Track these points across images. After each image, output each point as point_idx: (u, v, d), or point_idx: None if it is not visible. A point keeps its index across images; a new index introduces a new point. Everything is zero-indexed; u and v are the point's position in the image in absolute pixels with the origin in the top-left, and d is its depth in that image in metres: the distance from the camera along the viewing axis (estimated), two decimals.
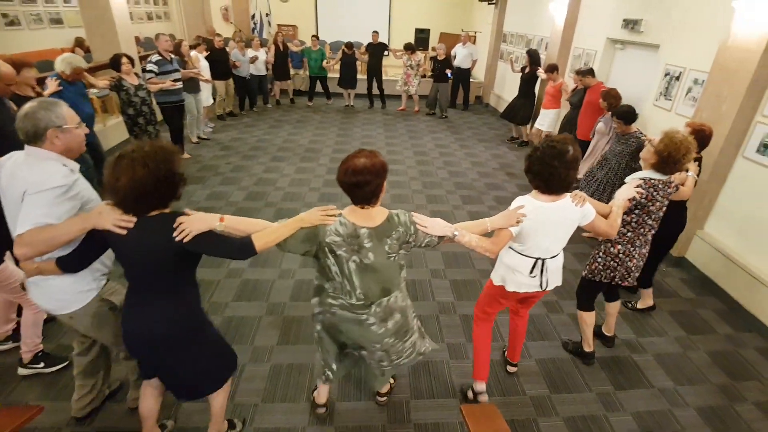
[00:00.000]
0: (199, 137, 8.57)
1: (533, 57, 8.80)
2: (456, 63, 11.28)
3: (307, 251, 2.17)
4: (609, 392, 3.42)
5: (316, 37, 11.23)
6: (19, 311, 3.33)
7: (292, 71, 11.91)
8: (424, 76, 11.78)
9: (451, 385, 3.42)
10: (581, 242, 5.45)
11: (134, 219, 1.94)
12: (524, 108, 9.09)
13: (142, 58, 8.43)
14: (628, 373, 3.61)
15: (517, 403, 3.29)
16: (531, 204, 2.55)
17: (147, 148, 1.89)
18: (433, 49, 12.01)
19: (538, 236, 2.64)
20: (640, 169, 4.15)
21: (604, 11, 7.33)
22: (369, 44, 11.15)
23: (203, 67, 8.24)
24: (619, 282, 3.38)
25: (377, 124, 10.56)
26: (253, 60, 9.93)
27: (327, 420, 3.05)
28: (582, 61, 7.95)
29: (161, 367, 2.32)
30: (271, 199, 6.26)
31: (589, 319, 3.56)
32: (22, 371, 3.18)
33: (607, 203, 3.08)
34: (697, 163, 3.81)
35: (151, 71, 6.65)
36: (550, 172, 2.45)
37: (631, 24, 6.37)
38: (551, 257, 2.77)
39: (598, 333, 3.79)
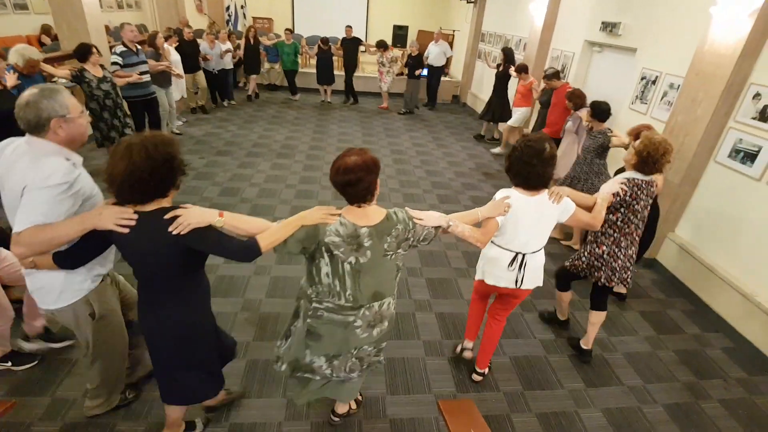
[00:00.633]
0: (172, 132, 8.24)
1: (508, 55, 8.88)
2: (429, 61, 11.32)
3: (304, 249, 2.12)
4: (580, 389, 3.47)
5: (289, 30, 11.04)
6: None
7: (267, 65, 11.75)
8: (401, 74, 11.77)
9: (426, 381, 3.42)
10: (555, 242, 5.52)
11: (135, 216, 1.88)
12: (498, 106, 9.17)
13: (112, 48, 8.14)
14: (600, 371, 3.66)
15: (492, 399, 3.32)
16: (514, 195, 2.67)
17: (146, 135, 1.85)
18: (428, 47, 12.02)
19: (517, 229, 2.72)
20: (604, 164, 4.62)
21: (582, 13, 7.41)
22: (343, 39, 11.07)
23: (174, 61, 7.95)
24: (605, 283, 3.41)
25: (354, 122, 10.50)
26: (224, 54, 9.69)
27: (303, 415, 3.02)
28: (560, 62, 8.03)
29: (162, 365, 2.32)
30: (246, 195, 6.14)
31: (565, 297, 3.89)
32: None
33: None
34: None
35: (115, 63, 6.31)
36: (528, 170, 2.58)
37: (609, 27, 6.45)
38: (531, 253, 2.84)
39: (575, 346, 3.82)
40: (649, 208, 3.33)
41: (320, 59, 10.95)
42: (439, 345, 3.78)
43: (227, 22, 14.20)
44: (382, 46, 10.77)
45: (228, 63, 10.02)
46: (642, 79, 5.76)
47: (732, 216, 4.37)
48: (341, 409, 2.95)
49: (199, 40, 9.43)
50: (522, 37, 9.64)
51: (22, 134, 2.07)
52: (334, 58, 11.29)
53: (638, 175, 3.27)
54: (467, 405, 2.53)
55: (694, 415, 3.32)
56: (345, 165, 2.02)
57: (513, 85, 8.78)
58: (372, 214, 2.15)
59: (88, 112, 5.33)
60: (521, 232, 2.74)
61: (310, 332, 2.34)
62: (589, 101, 5.28)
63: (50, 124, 1.98)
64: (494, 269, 2.91)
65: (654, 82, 5.54)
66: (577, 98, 5.64)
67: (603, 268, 3.39)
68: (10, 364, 3.12)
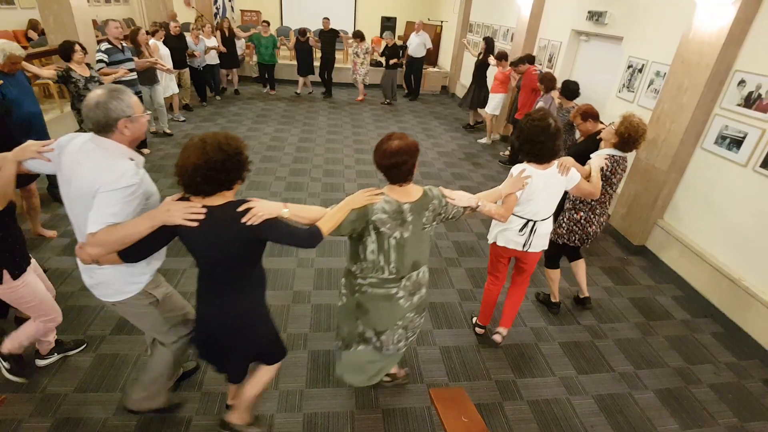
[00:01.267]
0: (164, 132, 7.97)
1: (489, 45, 8.99)
2: (409, 52, 11.30)
3: (354, 229, 2.29)
4: (572, 376, 3.49)
5: (266, 22, 10.85)
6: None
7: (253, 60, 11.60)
8: (379, 64, 11.67)
9: (418, 370, 3.42)
10: None
11: (203, 210, 1.94)
12: (477, 94, 9.35)
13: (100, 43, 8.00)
14: (590, 357, 3.69)
15: (483, 388, 3.33)
16: (528, 170, 2.91)
17: (216, 131, 1.95)
18: (399, 37, 11.96)
19: (530, 199, 3.01)
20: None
21: (569, 3, 7.41)
22: (321, 31, 10.99)
23: (164, 56, 7.74)
24: (578, 244, 3.95)
25: (343, 114, 10.46)
26: (209, 50, 9.51)
27: (296, 407, 3.02)
28: (547, 51, 8.03)
29: (220, 355, 2.38)
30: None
31: (554, 275, 4.08)
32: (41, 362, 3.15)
33: None
34: None
35: (101, 61, 6.08)
36: (539, 147, 2.84)
37: (595, 16, 6.45)
38: (541, 220, 3.13)
39: (576, 300, 4.29)
40: (623, 180, 3.73)
41: (299, 51, 10.87)
42: (430, 335, 3.78)
43: (215, 15, 14.09)
44: (358, 36, 10.72)
45: (214, 58, 9.85)
46: (629, 67, 5.77)
47: (719, 202, 4.40)
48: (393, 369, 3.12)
49: (186, 34, 9.18)
50: (510, 27, 9.62)
51: (10, 139, 2.06)
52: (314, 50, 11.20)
53: (617, 152, 3.67)
54: (458, 393, 2.53)
55: (685, 399, 3.35)
56: (390, 149, 2.20)
57: (491, 74, 8.85)
58: (412, 191, 2.35)
59: (75, 113, 5.25)
60: (534, 202, 3.02)
61: (358, 306, 2.54)
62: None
63: (118, 124, 2.03)
64: (506, 232, 3.21)
65: (640, 71, 5.56)
66: (548, 81, 6.06)
67: (579, 232, 3.85)
68: (7, 365, 3.06)
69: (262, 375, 2.56)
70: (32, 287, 2.79)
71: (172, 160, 6.71)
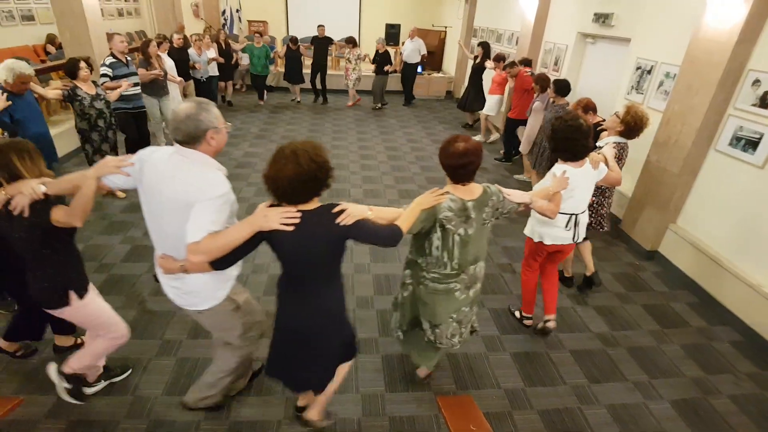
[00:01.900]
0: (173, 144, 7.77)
1: (486, 49, 9.23)
2: (404, 58, 11.29)
3: (422, 228, 2.46)
4: (583, 385, 3.36)
5: (259, 33, 10.88)
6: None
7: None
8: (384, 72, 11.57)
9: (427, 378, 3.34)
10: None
11: (299, 215, 2.01)
12: (473, 96, 9.58)
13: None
14: (602, 366, 3.56)
15: (492, 396, 3.22)
16: (568, 170, 3.13)
17: (303, 142, 2.02)
18: (404, 44, 11.94)
19: (572, 195, 3.24)
20: None
21: (574, 5, 7.33)
22: (314, 38, 10.99)
23: (170, 67, 7.62)
24: (596, 228, 4.29)
25: (348, 120, 10.43)
26: (211, 61, 9.48)
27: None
28: (553, 55, 7.96)
29: (299, 359, 2.41)
30: (244, 195, 6.10)
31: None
32: (89, 390, 3.02)
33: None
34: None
35: (105, 75, 5.86)
36: (574, 145, 3.11)
37: (601, 18, 6.37)
38: (581, 212, 3.41)
39: (584, 280, 4.47)
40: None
41: (289, 58, 10.84)
42: None
43: (223, 26, 14.16)
44: (351, 42, 10.71)
45: (215, 69, 9.79)
46: (637, 68, 5.67)
47: (735, 205, 4.27)
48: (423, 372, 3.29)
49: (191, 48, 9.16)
50: (514, 31, 9.57)
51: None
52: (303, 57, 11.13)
53: (621, 140, 4.04)
54: (467, 401, 2.47)
55: (703, 411, 3.20)
56: (458, 150, 2.38)
57: (489, 76, 8.94)
58: (474, 188, 2.54)
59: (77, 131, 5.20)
60: (573, 198, 3.26)
61: (420, 297, 2.74)
62: (582, 92, 5.71)
63: (206, 135, 2.10)
64: (553, 231, 3.42)
65: (649, 72, 5.45)
66: (543, 81, 6.20)
67: (593, 215, 4.17)
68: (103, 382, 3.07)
69: (341, 370, 2.64)
70: (97, 303, 2.76)
71: None
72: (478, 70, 9.34)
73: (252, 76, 11.12)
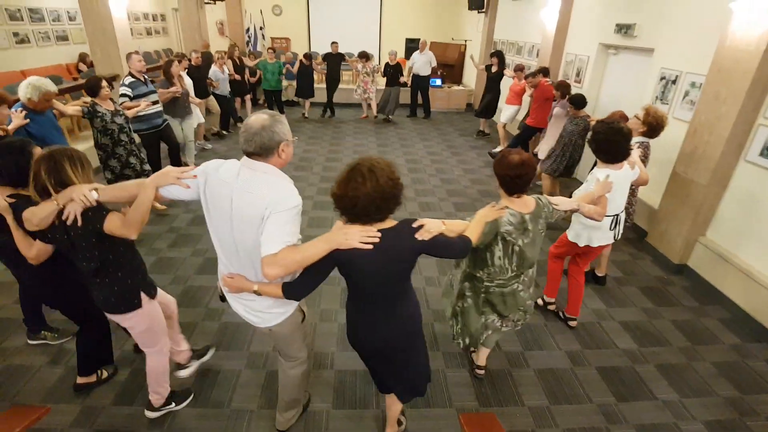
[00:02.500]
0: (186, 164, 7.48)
1: (500, 58, 9.44)
2: (414, 70, 11.30)
3: (484, 240, 2.58)
4: (611, 403, 3.25)
5: (272, 49, 10.97)
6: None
7: (285, 82, 11.65)
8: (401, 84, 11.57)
9: (447, 394, 3.27)
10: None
11: (378, 234, 1.99)
12: (491, 103, 9.90)
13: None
14: (630, 384, 3.44)
15: (516, 414, 3.14)
16: (611, 174, 3.31)
17: (376, 159, 2.01)
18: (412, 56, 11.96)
19: (615, 197, 3.40)
20: (583, 145, 5.80)
21: (596, 16, 7.26)
22: (326, 54, 11.12)
23: (189, 85, 7.62)
24: (625, 223, 4.18)
25: (368, 133, 10.47)
26: (232, 78, 9.54)
27: (322, 428, 2.96)
28: (574, 66, 7.88)
29: (387, 372, 2.48)
30: None
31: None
32: (151, 414, 2.98)
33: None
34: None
35: (124, 95, 5.77)
36: (615, 147, 3.32)
37: (624, 29, 6.28)
38: (621, 212, 3.69)
39: (593, 277, 4.73)
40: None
41: (301, 74, 10.93)
42: (459, 357, 3.60)
43: (247, 43, 14.49)
44: (363, 57, 10.80)
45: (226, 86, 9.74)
46: (661, 79, 5.56)
47: (766, 216, 4.13)
48: (482, 361, 3.40)
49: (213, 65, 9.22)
50: (535, 43, 9.52)
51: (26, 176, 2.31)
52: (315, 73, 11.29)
53: (645, 139, 4.33)
54: (490, 419, 2.39)
55: None
56: (514, 161, 2.52)
57: (506, 85, 9.05)
58: (528, 201, 2.69)
59: (98, 151, 5.23)
60: (614, 200, 3.45)
61: (486, 303, 2.92)
62: (604, 103, 5.85)
63: (279, 147, 2.10)
64: (598, 233, 3.64)
65: (674, 82, 5.34)
66: (564, 87, 6.32)
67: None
68: (173, 405, 3.03)
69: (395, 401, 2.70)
70: (157, 307, 2.76)
71: None
72: (496, 78, 9.52)
73: (265, 92, 11.13)
